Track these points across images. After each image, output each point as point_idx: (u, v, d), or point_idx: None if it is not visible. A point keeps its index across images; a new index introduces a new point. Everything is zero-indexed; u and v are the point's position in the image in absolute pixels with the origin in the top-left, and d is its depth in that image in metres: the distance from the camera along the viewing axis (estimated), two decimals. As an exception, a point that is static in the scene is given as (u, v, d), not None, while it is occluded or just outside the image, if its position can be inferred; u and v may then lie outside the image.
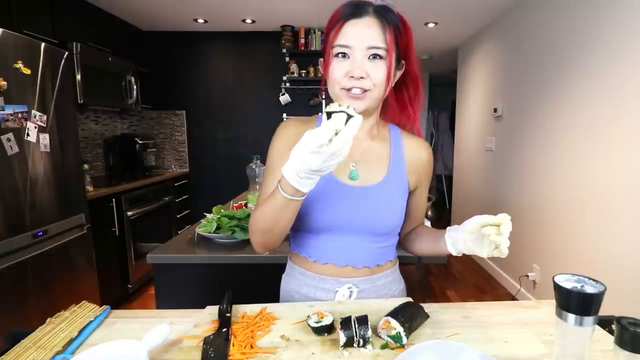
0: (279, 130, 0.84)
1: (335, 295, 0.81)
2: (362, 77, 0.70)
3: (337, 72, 0.72)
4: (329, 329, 0.66)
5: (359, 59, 0.70)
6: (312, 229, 0.79)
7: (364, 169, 0.80)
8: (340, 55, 0.72)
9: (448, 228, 0.75)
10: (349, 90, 0.71)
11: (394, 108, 0.86)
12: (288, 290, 0.88)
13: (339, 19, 0.72)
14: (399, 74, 0.78)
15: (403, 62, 0.78)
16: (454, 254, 0.75)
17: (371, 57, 0.71)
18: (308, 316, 0.68)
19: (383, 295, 0.84)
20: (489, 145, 3.40)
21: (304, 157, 0.58)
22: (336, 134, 0.56)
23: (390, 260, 0.86)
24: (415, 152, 0.84)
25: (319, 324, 0.65)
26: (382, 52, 0.71)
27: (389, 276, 0.86)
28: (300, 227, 0.81)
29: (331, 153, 0.56)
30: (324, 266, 0.81)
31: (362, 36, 0.70)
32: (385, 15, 0.71)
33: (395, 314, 0.65)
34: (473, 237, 0.67)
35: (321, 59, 0.79)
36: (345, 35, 0.71)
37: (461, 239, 0.70)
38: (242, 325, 0.68)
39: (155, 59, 3.70)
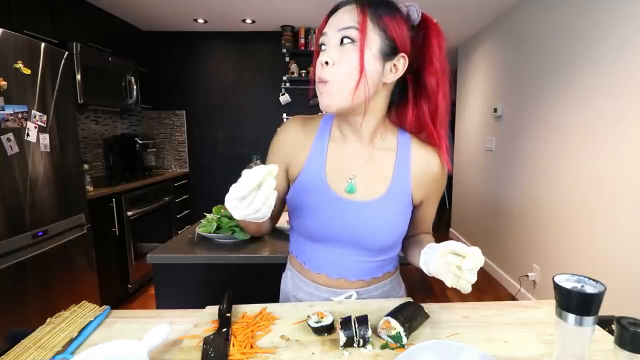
0: (283, 126, 0.82)
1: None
2: (326, 62, 0.63)
3: (317, 68, 0.66)
4: (329, 329, 0.66)
5: (331, 44, 0.64)
6: (307, 236, 0.78)
7: (363, 183, 0.73)
8: (321, 50, 0.66)
9: (428, 245, 0.70)
10: (318, 83, 0.65)
11: (412, 124, 0.75)
12: (286, 293, 0.87)
13: (327, 15, 0.68)
14: (395, 70, 0.67)
15: (403, 54, 0.67)
16: (426, 272, 0.68)
17: (343, 41, 0.63)
18: (308, 316, 0.68)
19: None
20: (489, 145, 3.40)
21: (229, 205, 0.56)
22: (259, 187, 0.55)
23: (389, 272, 0.83)
24: (425, 165, 0.74)
25: (319, 324, 0.65)
26: (352, 33, 0.62)
27: (387, 285, 0.83)
28: (297, 232, 0.80)
29: (249, 213, 0.55)
30: (318, 275, 0.79)
31: (337, 21, 0.64)
32: (370, 1, 0.64)
33: (395, 314, 0.65)
34: (442, 261, 0.60)
35: None
36: (326, 26, 0.67)
37: (432, 261, 0.65)
38: (242, 325, 0.68)
39: (155, 59, 3.70)
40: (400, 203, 0.74)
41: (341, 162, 0.75)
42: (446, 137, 0.73)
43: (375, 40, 0.63)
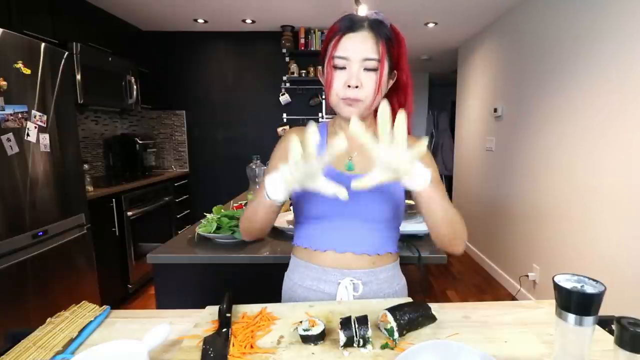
0: (281, 139, 0.92)
1: (338, 286, 0.83)
2: (357, 87, 0.77)
3: (337, 83, 0.78)
4: (316, 338, 0.63)
5: (355, 69, 0.77)
6: (312, 216, 0.84)
7: (359, 162, 0.86)
8: (339, 67, 0.78)
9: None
10: (346, 98, 0.78)
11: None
12: (291, 286, 0.90)
13: (337, 32, 0.78)
14: (390, 82, 0.83)
15: (395, 71, 0.83)
16: (422, 184, 0.67)
17: (365, 70, 0.77)
18: (300, 322, 0.66)
19: (385, 289, 0.86)
20: (489, 145, 3.40)
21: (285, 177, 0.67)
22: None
23: (391, 253, 0.88)
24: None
25: (307, 333, 0.63)
26: (375, 64, 0.77)
27: (390, 270, 0.88)
28: (302, 217, 0.87)
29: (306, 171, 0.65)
30: (325, 254, 0.84)
31: (358, 49, 0.76)
32: (379, 29, 0.78)
33: (393, 309, 0.66)
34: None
35: (320, 67, 0.86)
36: (343, 48, 0.77)
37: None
38: (242, 325, 0.68)
39: (155, 59, 3.70)
40: None
41: None
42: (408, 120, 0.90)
43: (386, 66, 0.79)
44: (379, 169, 0.64)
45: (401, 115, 0.60)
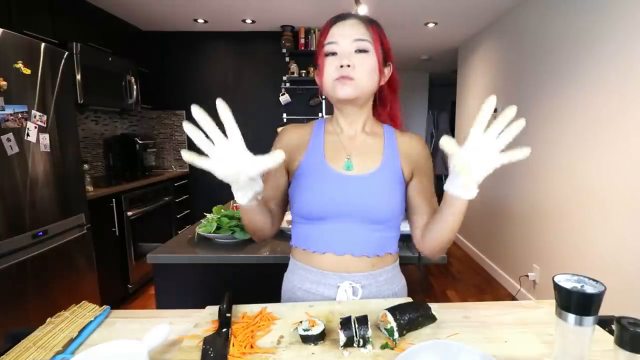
0: (279, 134, 0.92)
1: (337, 290, 0.82)
2: (348, 65, 0.76)
3: (329, 68, 0.78)
4: (316, 338, 0.63)
5: (346, 50, 0.77)
6: (310, 217, 0.83)
7: (358, 161, 0.84)
8: (330, 54, 0.78)
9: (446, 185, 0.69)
10: (339, 77, 0.77)
11: (386, 115, 0.91)
12: (290, 288, 0.89)
13: (327, 26, 0.81)
14: (387, 71, 0.83)
15: (390, 63, 0.84)
16: (470, 195, 0.66)
17: (357, 51, 0.77)
18: (300, 322, 0.66)
19: (385, 291, 0.85)
20: (489, 145, 3.39)
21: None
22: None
23: (391, 254, 0.87)
24: (408, 144, 0.88)
25: (307, 333, 0.63)
26: (366, 45, 0.77)
27: (390, 272, 0.87)
28: (300, 217, 0.85)
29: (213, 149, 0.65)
30: (324, 257, 0.82)
31: (347, 33, 0.77)
32: (369, 19, 0.81)
33: (393, 309, 0.66)
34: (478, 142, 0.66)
35: (316, 69, 0.85)
36: (332, 34, 0.78)
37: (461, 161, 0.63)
38: (242, 325, 0.68)
39: (155, 59, 3.70)
40: (392, 176, 0.84)
41: (338, 146, 0.86)
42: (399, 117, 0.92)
43: (380, 50, 0.80)
44: (469, 146, 0.64)
45: (516, 121, 0.64)
